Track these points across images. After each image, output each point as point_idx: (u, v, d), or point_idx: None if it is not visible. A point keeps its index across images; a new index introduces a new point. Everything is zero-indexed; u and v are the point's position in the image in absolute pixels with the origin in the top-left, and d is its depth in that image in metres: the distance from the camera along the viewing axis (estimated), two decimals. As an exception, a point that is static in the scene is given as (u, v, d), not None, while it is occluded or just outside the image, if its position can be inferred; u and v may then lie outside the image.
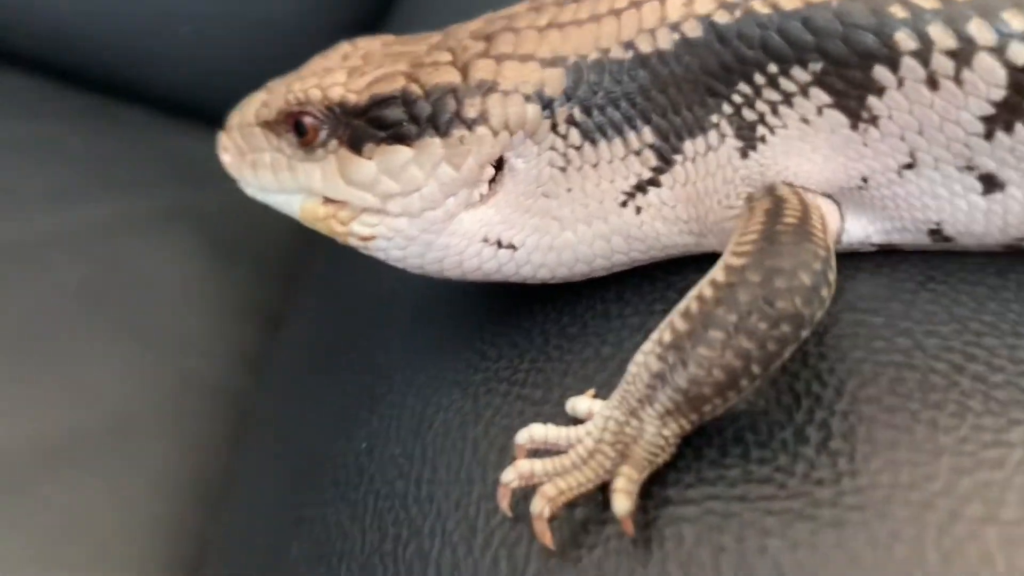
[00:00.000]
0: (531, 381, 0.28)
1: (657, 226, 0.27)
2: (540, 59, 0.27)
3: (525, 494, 0.24)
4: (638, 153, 0.27)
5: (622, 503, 0.23)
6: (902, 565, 0.21)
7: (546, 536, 0.23)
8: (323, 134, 0.29)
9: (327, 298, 0.43)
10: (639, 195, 0.27)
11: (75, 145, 0.67)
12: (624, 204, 0.27)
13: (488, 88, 0.27)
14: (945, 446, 0.22)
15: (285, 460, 0.35)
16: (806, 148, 0.26)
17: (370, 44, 0.31)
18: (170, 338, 0.56)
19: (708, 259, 0.29)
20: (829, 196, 0.26)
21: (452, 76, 0.28)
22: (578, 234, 0.28)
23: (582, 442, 0.24)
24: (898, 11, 0.24)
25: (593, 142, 0.27)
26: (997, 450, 0.22)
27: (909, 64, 0.24)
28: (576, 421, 0.26)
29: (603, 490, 0.24)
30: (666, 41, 0.26)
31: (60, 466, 0.49)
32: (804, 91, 0.26)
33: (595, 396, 0.26)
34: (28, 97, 0.71)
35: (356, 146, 0.29)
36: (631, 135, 0.27)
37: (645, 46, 0.26)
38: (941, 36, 0.24)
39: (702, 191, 0.27)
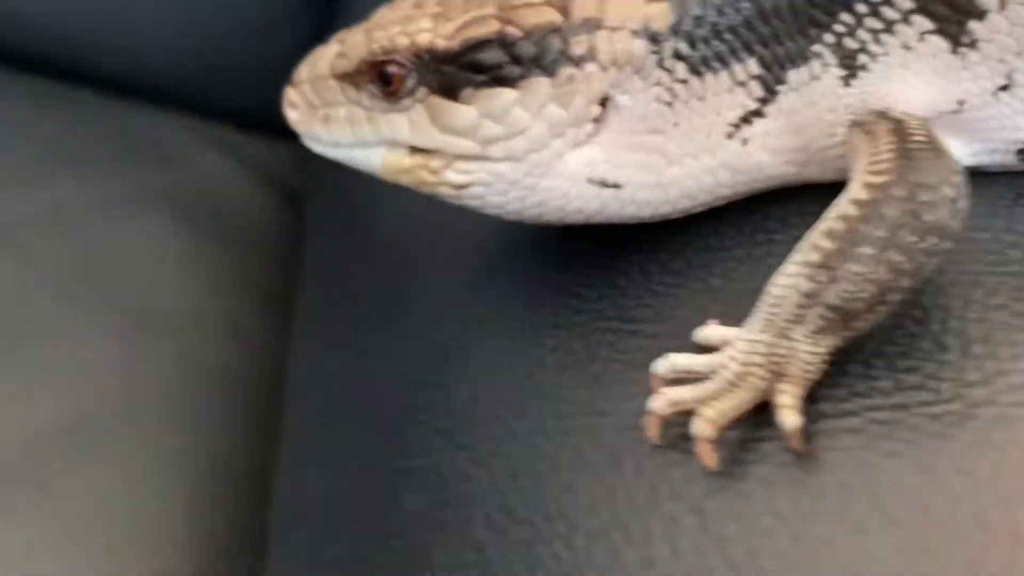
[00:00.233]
0: (643, 317, 0.29)
1: (762, 157, 0.28)
2: (644, -5, 0.27)
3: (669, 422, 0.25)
4: (743, 84, 0.27)
5: (791, 418, 0.23)
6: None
7: (710, 457, 0.24)
8: (410, 83, 0.29)
9: (366, 255, 0.42)
10: (745, 126, 0.28)
11: (33, 129, 0.65)
12: (730, 136, 0.28)
13: (594, 25, 0.27)
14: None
15: (360, 420, 0.35)
16: (907, 74, 0.27)
17: (439, -10, 0.31)
18: (161, 318, 0.55)
19: (801, 190, 0.30)
20: (926, 119, 0.28)
21: (552, 16, 0.28)
22: (685, 169, 0.28)
23: (727, 367, 0.25)
24: (1001, -68, 0.26)
25: (699, 75, 0.27)
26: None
27: (1013, -13, 0.26)
28: (705, 350, 0.27)
29: (754, 412, 0.25)
30: (770, -27, 0.27)
31: (71, 454, 0.47)
32: (906, 18, 0.27)
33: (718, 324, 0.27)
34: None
35: (450, 92, 0.28)
36: (736, 67, 0.27)
37: (749, -22, 0.27)
38: None
39: (806, 120, 0.28)
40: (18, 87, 0.63)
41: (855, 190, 0.24)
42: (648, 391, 0.27)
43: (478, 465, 0.28)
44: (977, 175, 0.29)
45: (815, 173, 0.29)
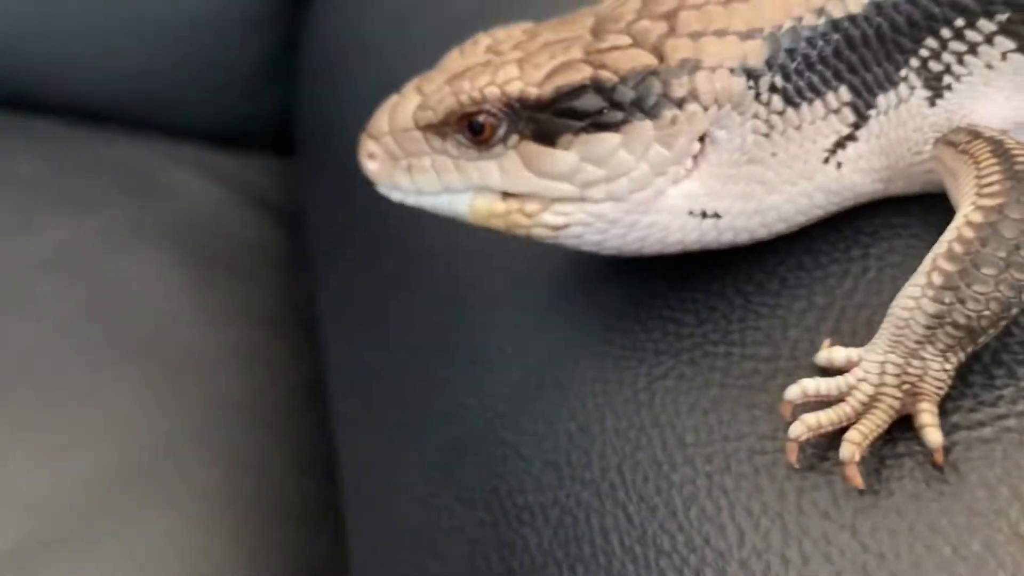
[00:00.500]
0: (751, 340, 0.30)
1: (855, 178, 0.29)
2: (736, 33, 0.28)
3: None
4: (837, 111, 0.29)
5: (935, 436, 0.25)
6: None
7: (857, 479, 0.25)
8: (501, 131, 0.29)
9: (411, 280, 0.42)
10: (839, 151, 0.29)
11: (13, 170, 0.64)
12: (826, 161, 0.29)
13: (693, 66, 0.28)
14: None
15: (445, 452, 0.35)
16: (990, 91, 0.29)
17: (512, 34, 0.31)
18: (180, 356, 0.55)
19: (884, 203, 0.31)
20: (1005, 132, 0.29)
21: (647, 59, 0.28)
22: (783, 195, 0.29)
23: (859, 388, 0.26)
24: (1078, -42, 0.27)
25: (795, 105, 0.28)
26: None
27: (1091, 7, 0.27)
28: (827, 372, 0.28)
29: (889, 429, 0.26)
30: (856, 5, 0.28)
31: (120, 503, 0.47)
32: (989, 40, 0.28)
33: (832, 344, 0.28)
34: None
35: (547, 138, 0.29)
36: (829, 95, 0.29)
37: (837, 11, 0.28)
38: None
39: (894, 141, 0.29)
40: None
41: (970, 213, 0.26)
42: (772, 414, 0.28)
43: (606, 499, 0.29)
44: None
45: (900, 188, 0.30)
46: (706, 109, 0.28)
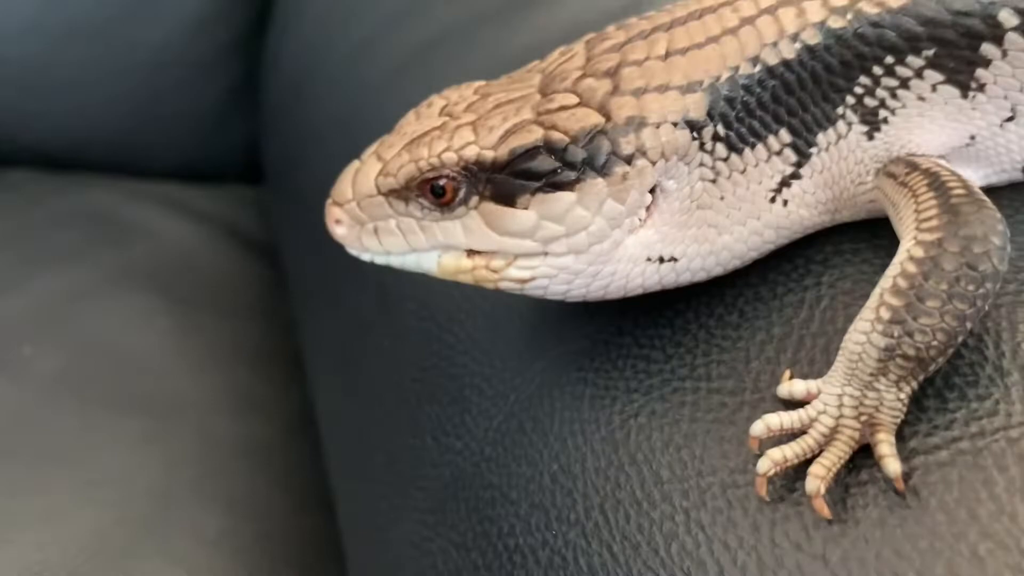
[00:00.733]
0: (717, 374, 0.31)
1: (802, 213, 0.31)
2: (677, 87, 0.29)
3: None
4: (779, 152, 0.30)
5: (893, 466, 0.26)
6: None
7: (825, 510, 0.26)
8: (461, 193, 0.30)
9: (390, 324, 0.43)
10: (784, 189, 0.30)
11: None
12: (772, 200, 0.30)
13: (639, 123, 0.29)
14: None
15: (436, 497, 0.36)
16: (924, 121, 0.30)
17: (464, 94, 0.32)
18: (174, 402, 0.56)
19: (831, 231, 0.33)
20: (942, 157, 0.30)
21: (594, 118, 0.29)
22: (735, 235, 0.30)
23: (819, 421, 0.27)
24: (995, -8, 0.28)
25: (738, 151, 0.30)
26: None
27: (1012, 37, 0.28)
28: (790, 402, 0.29)
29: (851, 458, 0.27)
30: (789, 51, 0.29)
31: (122, 561, 0.48)
32: (919, 74, 0.29)
33: (792, 376, 0.29)
34: None
35: (506, 198, 0.30)
36: (770, 138, 0.30)
37: (771, 58, 0.29)
38: None
39: (837, 175, 0.30)
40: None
41: (911, 248, 0.27)
42: (742, 446, 0.29)
43: (592, 538, 0.31)
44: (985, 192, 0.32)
45: (847, 216, 0.31)
46: (654, 163, 0.29)
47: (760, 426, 0.28)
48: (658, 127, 0.29)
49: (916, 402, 0.28)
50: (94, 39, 0.73)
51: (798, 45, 0.29)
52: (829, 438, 0.27)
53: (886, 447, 0.26)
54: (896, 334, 0.27)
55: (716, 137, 0.30)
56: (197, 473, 0.52)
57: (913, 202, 0.28)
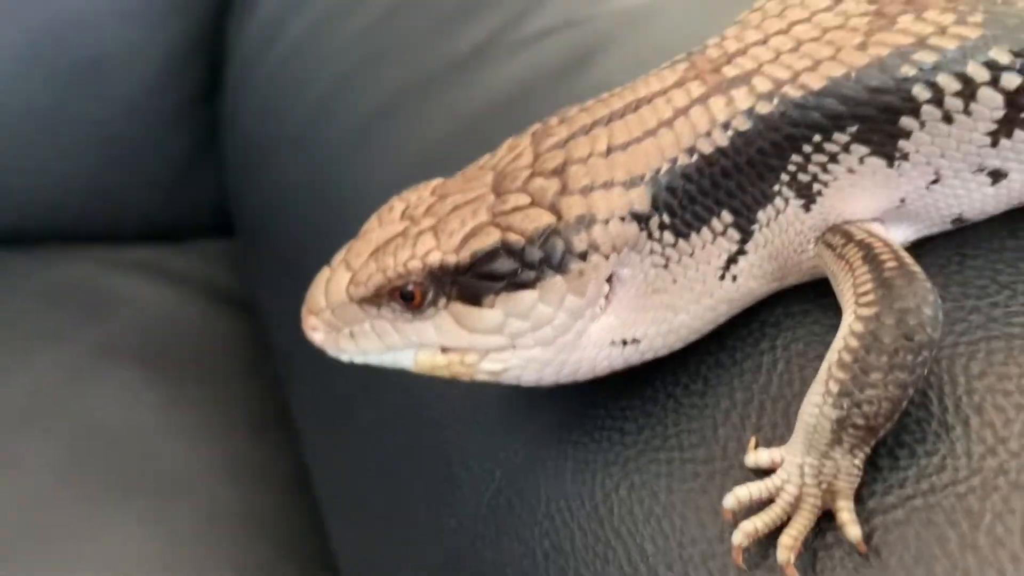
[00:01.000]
0: (688, 443, 0.33)
1: (751, 284, 0.32)
2: (621, 183, 0.31)
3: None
4: (723, 233, 0.32)
5: (854, 531, 0.28)
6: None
7: (795, 574, 0.28)
8: (430, 295, 0.32)
9: (378, 401, 0.45)
10: (732, 266, 0.32)
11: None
12: (722, 277, 0.32)
13: (589, 220, 0.31)
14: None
15: (438, 573, 0.38)
16: (856, 191, 0.31)
17: (423, 195, 0.34)
18: (171, 481, 0.57)
19: (783, 294, 0.34)
20: (877, 219, 0.32)
21: (547, 218, 0.31)
22: (691, 313, 0.32)
23: (784, 490, 0.29)
24: (908, 69, 0.30)
25: (685, 236, 0.31)
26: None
27: (927, 109, 0.30)
28: (758, 470, 0.31)
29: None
30: (722, 139, 0.31)
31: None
32: (846, 148, 0.31)
33: (758, 443, 0.31)
34: None
35: (472, 299, 0.32)
36: (714, 220, 0.31)
37: (706, 147, 0.31)
38: (948, 82, 0.30)
39: (780, 247, 0.32)
40: None
41: (852, 323, 0.29)
42: (717, 516, 0.31)
43: (585, 612, 0.32)
44: (919, 243, 0.34)
45: (794, 280, 0.33)
46: (607, 257, 0.31)
47: (731, 500, 0.30)
48: (607, 223, 0.31)
49: (871, 462, 0.30)
50: (51, 113, 0.74)
51: (730, 132, 0.31)
52: (795, 506, 0.29)
53: (846, 514, 0.28)
54: (846, 406, 0.29)
55: (662, 226, 0.31)
56: (198, 547, 0.54)
57: (850, 275, 0.30)
